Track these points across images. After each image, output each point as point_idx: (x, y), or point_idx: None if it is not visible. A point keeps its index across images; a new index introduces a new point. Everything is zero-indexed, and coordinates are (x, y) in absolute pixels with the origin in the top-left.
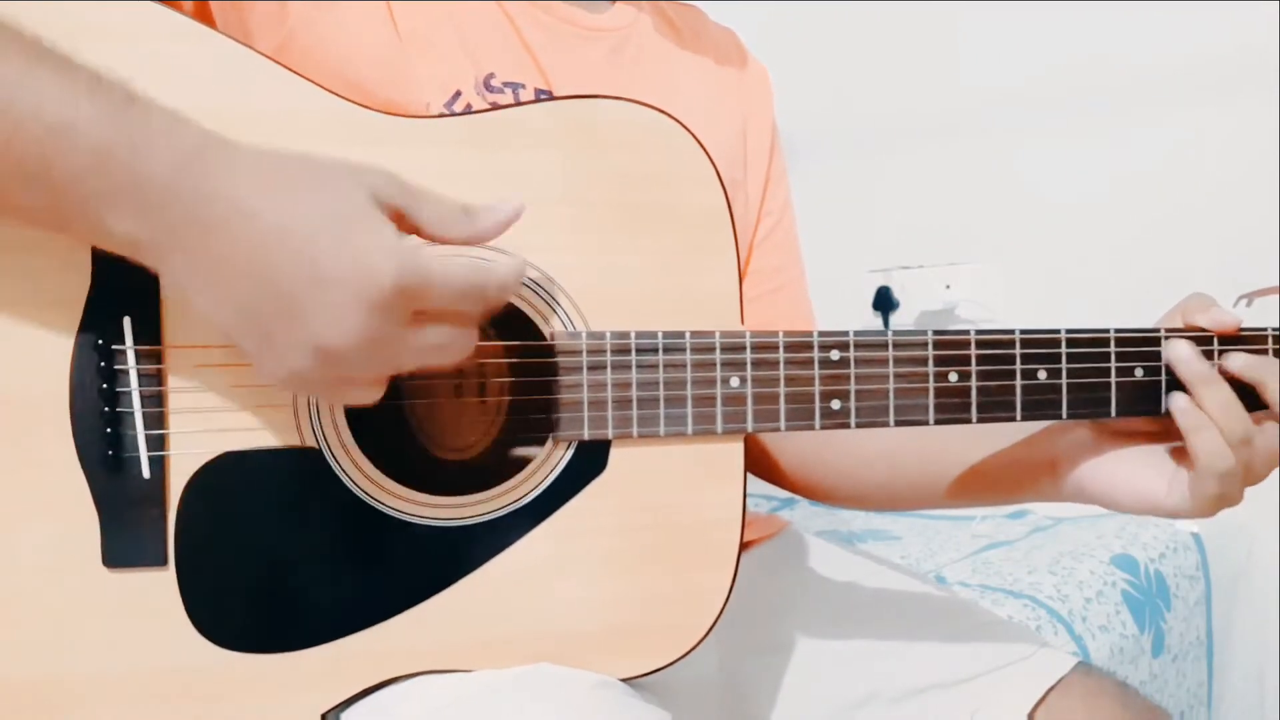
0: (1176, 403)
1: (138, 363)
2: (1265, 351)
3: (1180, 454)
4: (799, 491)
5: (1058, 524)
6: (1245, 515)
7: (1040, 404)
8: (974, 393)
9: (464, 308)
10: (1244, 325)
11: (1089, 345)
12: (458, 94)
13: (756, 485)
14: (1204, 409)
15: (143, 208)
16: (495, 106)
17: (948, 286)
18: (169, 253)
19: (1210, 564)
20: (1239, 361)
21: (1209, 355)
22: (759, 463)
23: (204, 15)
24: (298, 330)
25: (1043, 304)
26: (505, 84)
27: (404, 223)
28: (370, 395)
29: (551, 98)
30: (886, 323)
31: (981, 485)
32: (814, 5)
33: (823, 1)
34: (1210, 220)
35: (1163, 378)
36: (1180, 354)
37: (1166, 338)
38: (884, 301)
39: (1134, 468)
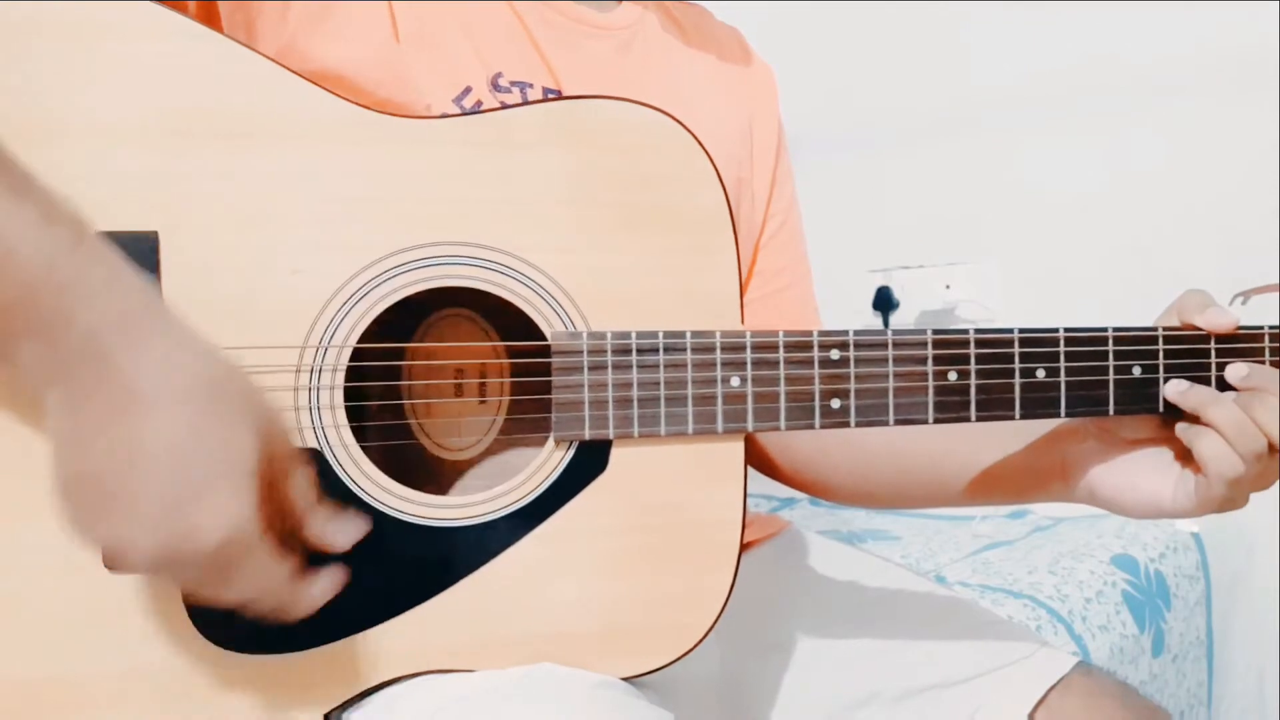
0: (1180, 426)
1: None
2: (1261, 350)
3: (1183, 456)
4: (806, 490)
5: (1058, 524)
6: (1245, 515)
7: (1039, 402)
8: (973, 391)
9: (250, 598)
10: (1240, 323)
11: (1087, 344)
12: (468, 89)
13: (757, 485)
14: (1219, 431)
15: (51, 349)
16: (503, 106)
17: (948, 286)
18: (55, 389)
19: (1210, 564)
20: (1241, 372)
21: (1205, 354)
22: (765, 462)
23: (210, 16)
24: (110, 523)
25: (1043, 304)
26: (513, 83)
27: (272, 491)
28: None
29: (559, 96)
30: (886, 323)
31: (991, 486)
32: (815, 5)
33: (823, 1)
34: (1210, 220)
35: (1160, 376)
36: (1175, 390)
37: (1164, 335)
38: (884, 301)
39: (1140, 473)
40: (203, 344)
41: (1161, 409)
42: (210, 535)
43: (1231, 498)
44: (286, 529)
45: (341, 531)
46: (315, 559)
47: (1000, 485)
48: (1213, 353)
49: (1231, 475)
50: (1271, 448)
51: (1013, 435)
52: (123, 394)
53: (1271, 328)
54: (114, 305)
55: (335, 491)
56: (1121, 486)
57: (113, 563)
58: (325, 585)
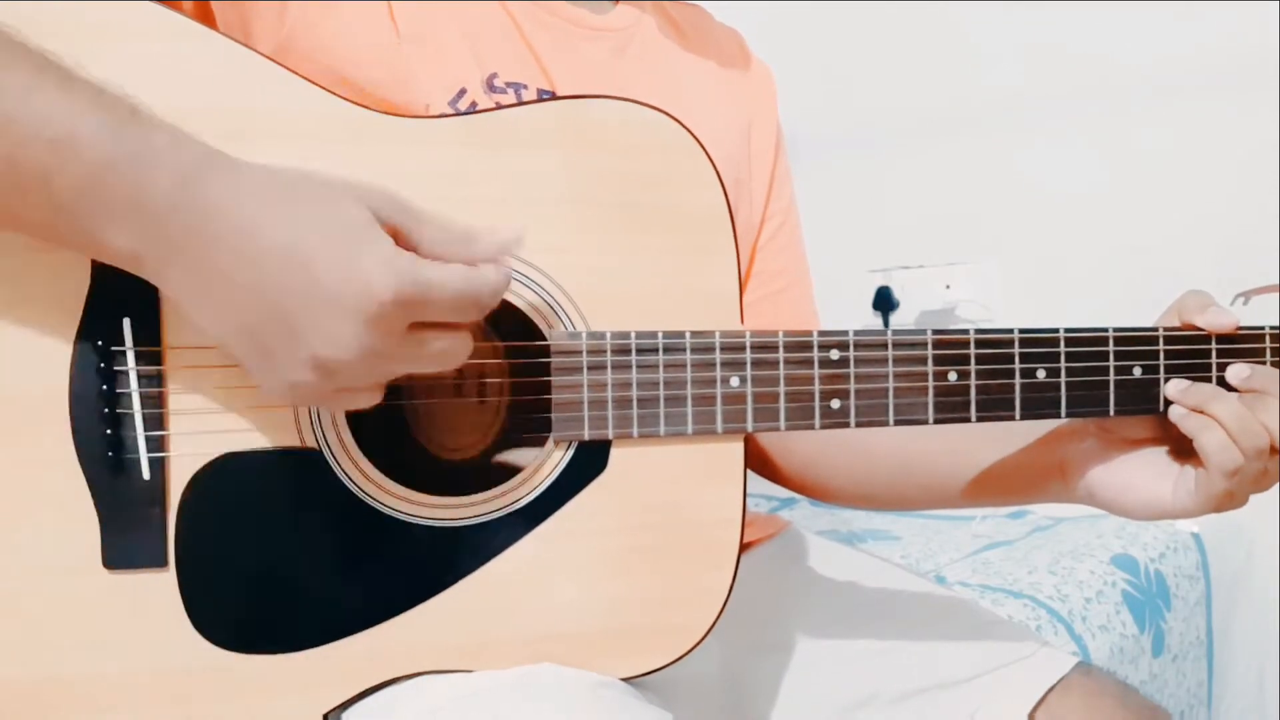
0: (1175, 411)
1: (138, 364)
2: (1263, 351)
3: (1183, 455)
4: (805, 492)
5: (1058, 524)
6: (1245, 515)
7: (1039, 403)
8: (973, 392)
9: (460, 317)
10: (1241, 324)
11: (1087, 344)
12: (463, 91)
13: (757, 485)
14: (1222, 424)
15: (143, 222)
16: (498, 106)
17: (948, 286)
18: (168, 266)
19: (1210, 564)
20: (1242, 373)
21: (1206, 355)
22: (765, 463)
23: (204, 15)
24: (297, 344)
25: (1043, 304)
26: (508, 84)
27: (402, 241)
28: (369, 401)
29: (554, 98)
30: (886, 323)
31: (991, 487)
32: (814, 5)
33: (822, 2)
34: (1210, 220)
35: (1161, 376)
36: (1176, 389)
37: (1164, 335)
38: (884, 301)
39: (1139, 473)
40: (266, 166)
41: (1162, 409)
42: (383, 282)
43: (1232, 493)
44: (426, 281)
45: (486, 275)
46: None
47: (999, 486)
48: (1213, 353)
49: (1233, 468)
50: (1273, 448)
51: (1013, 436)
52: (230, 227)
53: (1272, 328)
54: (186, 157)
55: (334, 492)
56: (1121, 487)
57: (329, 383)
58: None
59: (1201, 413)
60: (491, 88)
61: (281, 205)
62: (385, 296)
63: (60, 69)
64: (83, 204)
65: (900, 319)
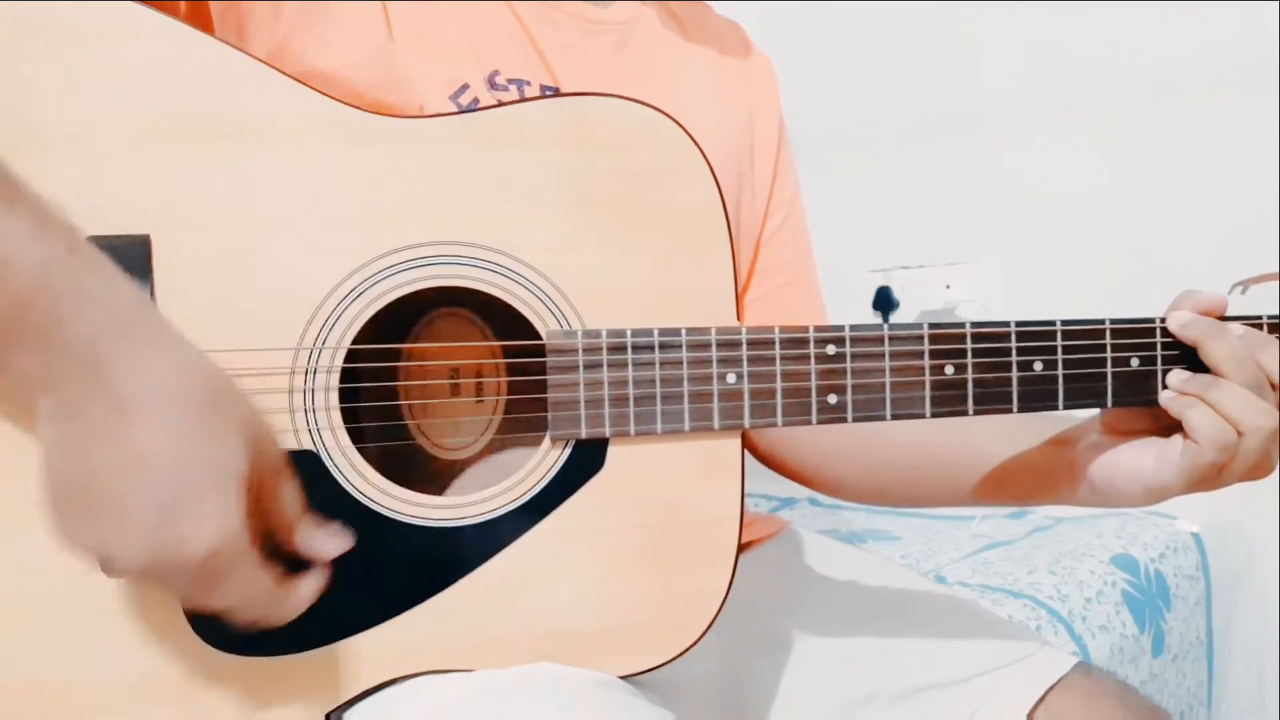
0: (1164, 395)
1: None
2: None
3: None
4: (816, 486)
5: (1058, 524)
6: (1245, 515)
7: (1036, 395)
8: (970, 385)
9: (235, 607)
10: (1240, 314)
11: (1084, 336)
12: (465, 86)
13: (756, 485)
14: (1219, 410)
15: (45, 358)
16: (499, 104)
17: (948, 286)
18: (48, 397)
19: (1210, 564)
20: (1182, 319)
21: None
22: (774, 458)
23: (200, 16)
24: (99, 530)
25: (1043, 304)
26: (510, 80)
27: (260, 500)
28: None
29: (556, 94)
30: (886, 322)
31: (1003, 486)
32: (815, 4)
33: (822, 1)
34: (1210, 220)
35: (1159, 367)
36: (1175, 380)
37: (1162, 326)
38: (884, 301)
39: (1127, 452)
40: (194, 352)
41: (1160, 400)
42: (198, 544)
43: (1221, 467)
44: (274, 538)
45: (327, 542)
46: (298, 564)
47: (1011, 485)
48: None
49: (1226, 440)
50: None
51: (1025, 434)
52: (113, 402)
53: (1270, 317)
54: (107, 313)
55: (331, 493)
56: (1110, 465)
57: (103, 569)
58: (307, 592)
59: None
60: (494, 84)
61: (174, 409)
62: (192, 555)
63: (7, 187)
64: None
65: (900, 319)
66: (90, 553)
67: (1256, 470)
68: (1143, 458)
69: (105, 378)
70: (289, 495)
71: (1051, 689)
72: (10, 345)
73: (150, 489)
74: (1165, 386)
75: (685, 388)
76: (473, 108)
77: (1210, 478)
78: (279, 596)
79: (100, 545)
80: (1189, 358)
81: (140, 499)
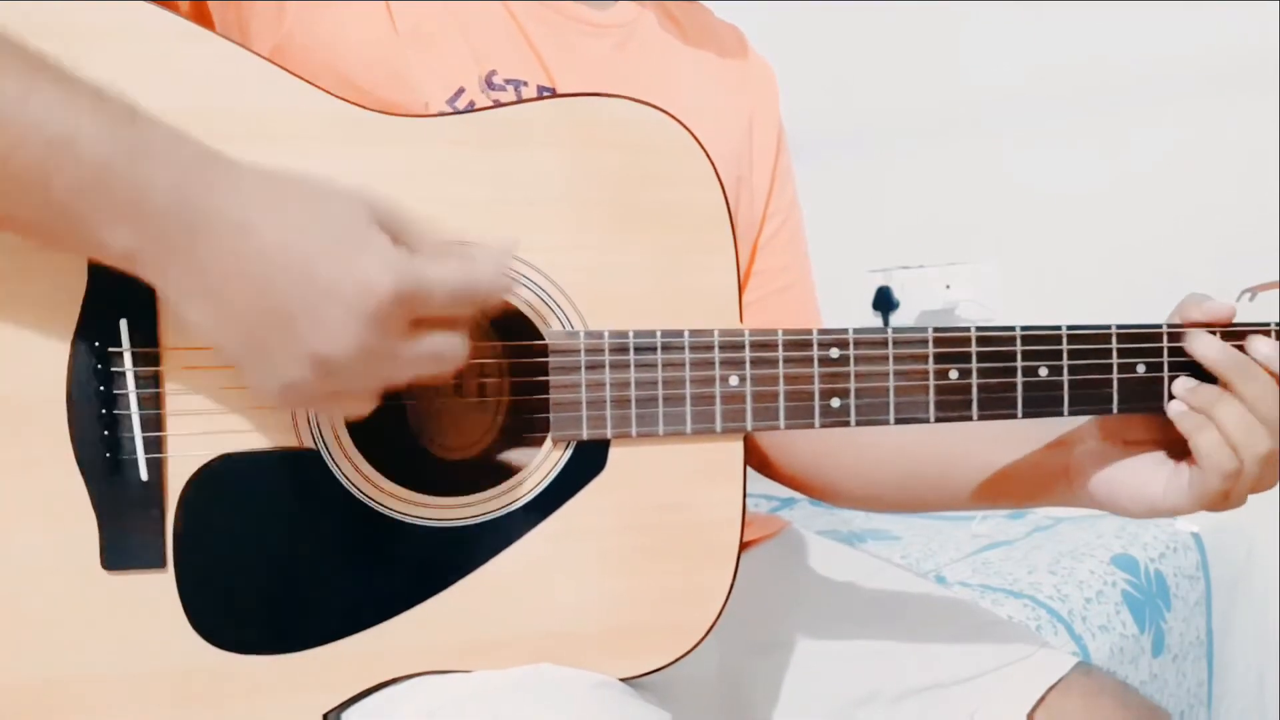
0: (1174, 408)
1: (135, 365)
2: None
3: (1179, 455)
4: (809, 492)
5: (1058, 524)
6: (1245, 515)
7: (1041, 400)
8: (974, 390)
9: (458, 313)
10: (1248, 321)
11: (1090, 341)
12: (461, 90)
13: (756, 485)
14: (1224, 431)
15: (141, 222)
16: (497, 104)
17: (948, 286)
18: (166, 266)
19: (1210, 564)
20: (1265, 349)
21: None
22: (767, 463)
23: (202, 15)
24: (295, 343)
25: (1043, 304)
26: (508, 81)
27: (399, 243)
28: (365, 407)
29: (554, 95)
30: (886, 323)
31: (999, 490)
32: (814, 5)
33: (823, 2)
34: (1210, 220)
35: (1165, 374)
36: (1183, 388)
37: (1169, 332)
38: (884, 301)
39: (1133, 470)
40: (264, 167)
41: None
42: (383, 280)
43: (1227, 494)
44: (427, 289)
45: (486, 270)
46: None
47: (1007, 489)
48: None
49: (1229, 469)
50: (1274, 453)
51: (1021, 439)
52: (229, 229)
53: (1277, 324)
54: (185, 160)
55: (333, 493)
56: (1115, 483)
57: (328, 385)
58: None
59: (1202, 413)
60: (490, 85)
61: (279, 205)
62: (384, 292)
63: (57, 69)
64: (81, 204)
65: (900, 319)
66: (310, 373)
67: (1258, 488)
68: (1151, 483)
69: (208, 216)
70: (407, 223)
71: (1051, 689)
72: (104, 221)
73: (311, 271)
74: (1172, 395)
75: (687, 389)
76: (472, 109)
77: (1218, 502)
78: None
79: (313, 358)
80: (1196, 366)
81: (310, 286)
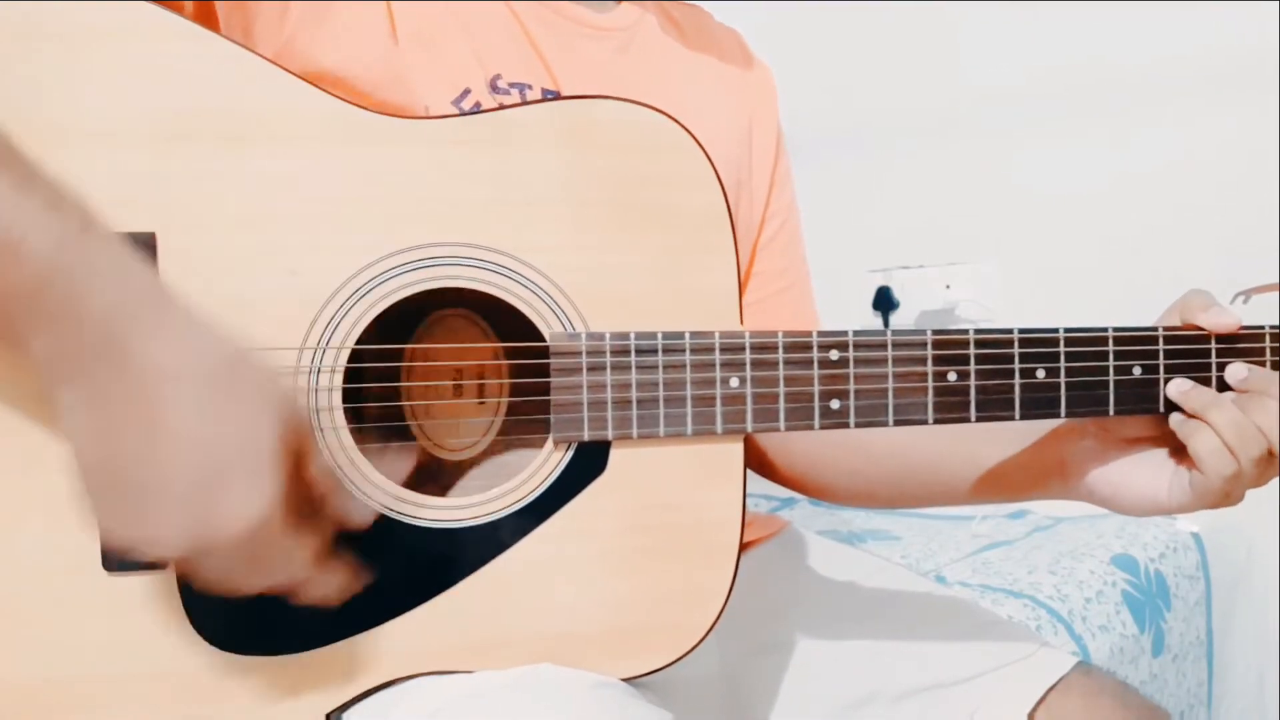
0: (1174, 418)
1: None
2: (1263, 350)
3: (1180, 453)
4: (805, 492)
5: (1058, 524)
6: (1245, 515)
7: (1039, 403)
8: (973, 392)
9: (280, 579)
10: (1242, 323)
11: (1087, 344)
12: (467, 91)
13: (756, 485)
14: (1219, 435)
15: (63, 338)
16: (501, 107)
17: (948, 286)
18: (71, 380)
19: (1210, 564)
20: (1239, 374)
21: (1206, 355)
22: (765, 464)
23: (206, 16)
24: (139, 514)
25: (1043, 304)
26: (512, 84)
27: (296, 469)
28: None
29: (557, 97)
30: (886, 323)
31: (993, 485)
32: (814, 5)
33: (823, 2)
34: (1210, 220)
35: (1161, 376)
36: (1178, 390)
37: (1164, 335)
38: (884, 301)
39: (1136, 470)
40: (208, 325)
41: (1162, 409)
42: (239, 518)
43: (1228, 493)
44: (310, 509)
45: (360, 509)
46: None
47: (1001, 484)
48: (1213, 353)
49: (1228, 473)
50: (1271, 452)
51: (1013, 435)
52: (139, 379)
53: (1272, 327)
54: (124, 289)
55: None
56: (1117, 483)
57: (140, 555)
58: (346, 574)
59: (1198, 418)
60: (495, 88)
61: (200, 384)
62: (236, 528)
63: (20, 167)
64: (13, 306)
65: (900, 319)
66: (130, 541)
67: (1258, 484)
68: (1155, 484)
69: (127, 356)
70: (319, 458)
71: (1051, 689)
72: (29, 327)
73: (185, 466)
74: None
75: (688, 391)
76: (476, 110)
77: (1220, 500)
78: (318, 574)
79: (140, 531)
80: (1192, 369)
81: (176, 477)
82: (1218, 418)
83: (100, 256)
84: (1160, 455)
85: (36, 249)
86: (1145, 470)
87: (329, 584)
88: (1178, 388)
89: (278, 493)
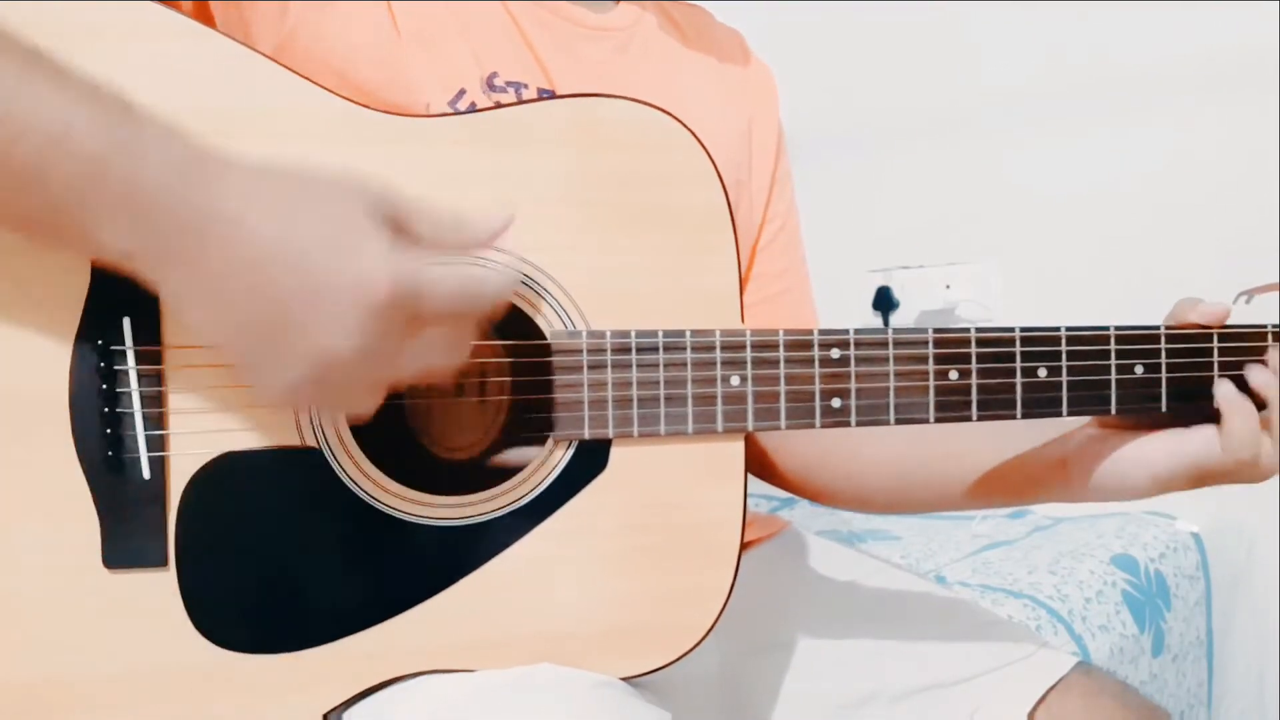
0: (1224, 387)
1: (137, 363)
2: (1265, 349)
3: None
4: (804, 494)
5: (1058, 524)
6: (1245, 515)
7: (1040, 402)
8: (974, 390)
9: (458, 314)
10: (1244, 323)
11: (1089, 343)
12: (462, 92)
13: (757, 485)
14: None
15: (136, 219)
16: (498, 105)
17: (948, 286)
18: (163, 265)
19: (1210, 564)
20: (1260, 378)
21: (1208, 353)
22: (762, 465)
23: (204, 15)
24: (295, 341)
25: (1043, 304)
26: (508, 83)
27: (399, 233)
28: (367, 405)
29: (554, 97)
30: (886, 323)
31: (993, 488)
32: (814, 5)
33: (823, 2)
34: (1210, 220)
35: (1163, 375)
36: (1257, 379)
37: (1166, 334)
38: (884, 301)
39: (1133, 441)
40: (258, 160)
41: (1164, 407)
42: (380, 279)
43: (1228, 473)
44: (435, 285)
45: (499, 279)
46: None
47: (1001, 487)
48: (1215, 351)
49: (1245, 457)
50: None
51: (1013, 437)
52: (226, 225)
53: (1274, 326)
54: (178, 153)
55: (335, 492)
56: (1115, 456)
57: (337, 382)
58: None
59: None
60: (491, 87)
61: (275, 200)
62: (381, 289)
63: (52, 63)
64: (76, 199)
65: (900, 319)
66: (316, 372)
67: (1259, 478)
68: (1154, 449)
69: (203, 210)
70: (417, 212)
71: (1051, 689)
72: (97, 218)
73: (309, 269)
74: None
75: (689, 389)
76: (472, 110)
77: (1211, 479)
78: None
79: (318, 356)
80: (1194, 367)
81: (312, 283)
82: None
83: (147, 132)
84: (1159, 434)
85: (85, 133)
86: (1140, 441)
87: (455, 355)
88: (1256, 377)
89: (390, 245)
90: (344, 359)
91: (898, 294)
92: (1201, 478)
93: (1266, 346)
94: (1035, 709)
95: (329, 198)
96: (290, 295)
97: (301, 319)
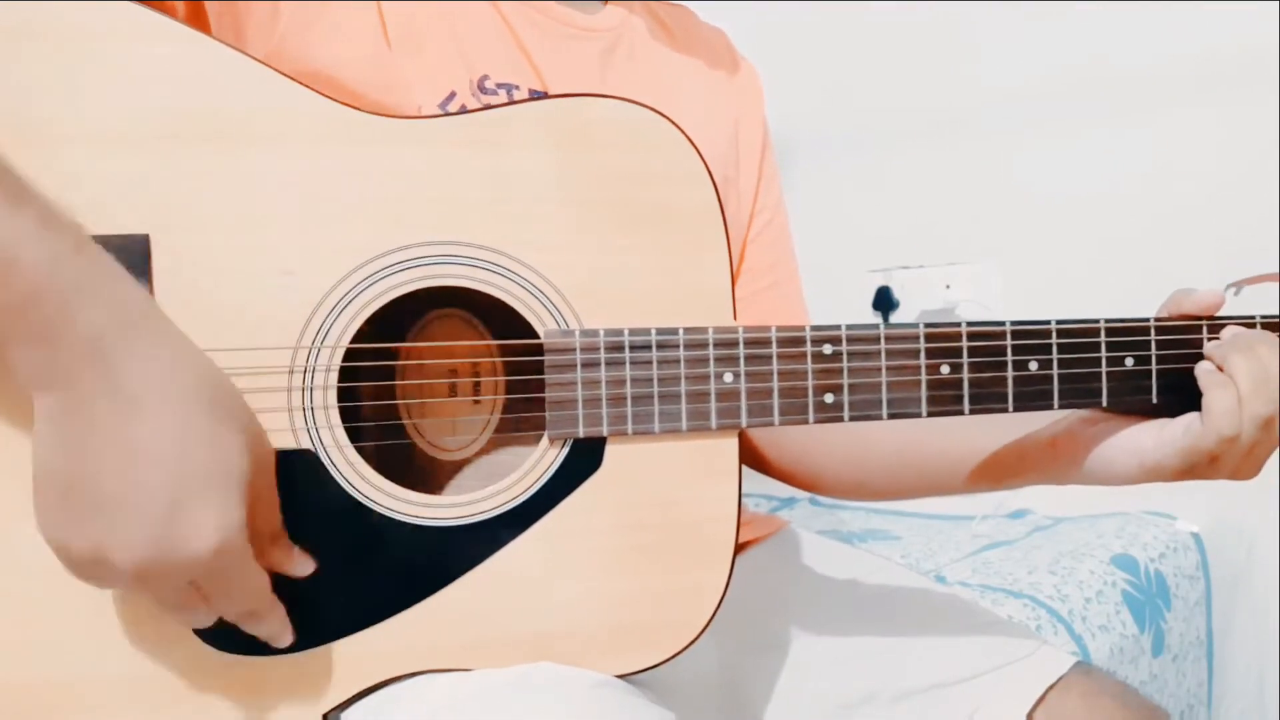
0: (1202, 366)
1: None
2: None
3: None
4: (797, 483)
5: (1058, 524)
6: (1245, 515)
7: (1032, 395)
8: (966, 384)
9: (232, 608)
10: (1233, 314)
11: (1079, 336)
12: (452, 94)
13: (756, 485)
14: (1237, 385)
15: (49, 353)
16: (488, 108)
17: (948, 286)
18: (52, 393)
19: (1210, 564)
20: (1229, 333)
21: (1198, 345)
22: (756, 457)
23: (198, 18)
24: (97, 522)
25: (1042, 304)
26: (499, 85)
27: (259, 499)
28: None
29: (545, 97)
30: (886, 322)
31: (986, 472)
32: (813, 6)
33: (822, 2)
34: (1210, 220)
35: (1153, 367)
36: (1204, 368)
37: (1156, 326)
38: (884, 301)
39: (1122, 428)
40: (197, 350)
41: (1155, 400)
42: (203, 541)
43: (1215, 459)
44: (259, 546)
45: (301, 561)
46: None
47: (994, 470)
48: (1205, 342)
49: (1228, 433)
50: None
51: (1009, 423)
52: (120, 398)
53: (1264, 317)
54: (115, 308)
55: (330, 493)
56: (1105, 443)
57: (92, 574)
58: (281, 618)
59: (1222, 369)
60: (482, 89)
61: (176, 405)
62: (202, 550)
63: (11, 184)
64: (4, 321)
65: (900, 319)
66: (86, 553)
67: (1245, 469)
68: (1143, 436)
69: (113, 373)
70: (274, 501)
71: (1051, 689)
72: (16, 341)
73: (157, 484)
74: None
75: (683, 387)
76: (467, 110)
77: (1202, 466)
78: (272, 601)
79: (98, 544)
80: (1183, 359)
81: (146, 494)
82: (1238, 363)
83: (93, 275)
84: (1148, 422)
85: (30, 267)
86: (1131, 428)
87: (269, 624)
88: (1231, 331)
89: (239, 521)
90: (119, 571)
91: (898, 294)
92: (1190, 465)
93: None
94: (1035, 709)
95: (218, 442)
96: (128, 490)
97: (115, 513)
